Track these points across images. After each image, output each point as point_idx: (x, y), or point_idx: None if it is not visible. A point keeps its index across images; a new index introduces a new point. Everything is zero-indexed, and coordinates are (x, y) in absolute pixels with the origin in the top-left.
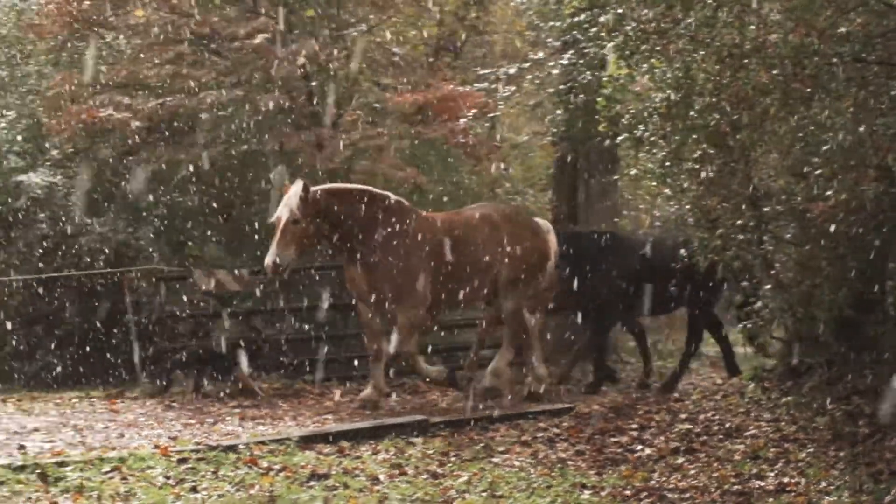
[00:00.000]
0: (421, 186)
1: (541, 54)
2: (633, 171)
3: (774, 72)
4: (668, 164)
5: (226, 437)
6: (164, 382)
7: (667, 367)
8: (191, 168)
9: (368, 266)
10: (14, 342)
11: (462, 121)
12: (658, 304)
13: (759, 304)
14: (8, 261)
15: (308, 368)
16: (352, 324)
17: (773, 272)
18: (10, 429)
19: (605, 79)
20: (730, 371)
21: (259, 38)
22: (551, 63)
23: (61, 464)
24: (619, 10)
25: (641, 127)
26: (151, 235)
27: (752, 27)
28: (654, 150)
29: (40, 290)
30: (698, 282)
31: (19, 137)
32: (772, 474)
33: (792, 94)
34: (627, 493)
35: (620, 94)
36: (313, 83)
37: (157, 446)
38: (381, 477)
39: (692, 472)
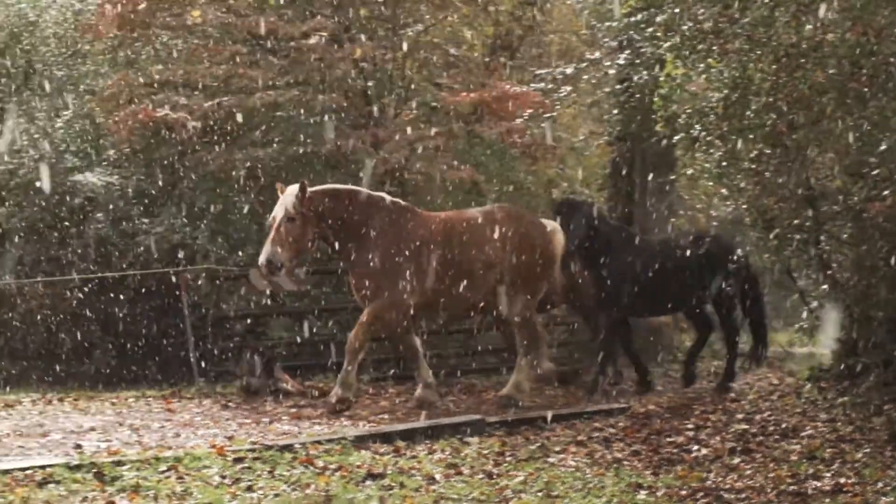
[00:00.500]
0: (478, 186)
1: (597, 54)
2: (690, 171)
3: (831, 71)
4: (724, 163)
5: (281, 436)
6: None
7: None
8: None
9: (361, 267)
10: (70, 342)
11: (518, 120)
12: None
13: (816, 303)
14: (64, 260)
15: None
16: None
17: (829, 272)
18: (67, 428)
19: (661, 78)
20: (725, 376)
21: (315, 38)
22: (608, 63)
23: (118, 463)
24: (676, 10)
25: (698, 126)
26: (207, 235)
27: (809, 27)
28: (711, 150)
29: (96, 290)
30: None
31: (76, 137)
32: (828, 475)
33: (849, 94)
34: (683, 493)
35: (677, 93)
36: (369, 83)
37: (213, 446)
38: (437, 476)
39: (748, 472)
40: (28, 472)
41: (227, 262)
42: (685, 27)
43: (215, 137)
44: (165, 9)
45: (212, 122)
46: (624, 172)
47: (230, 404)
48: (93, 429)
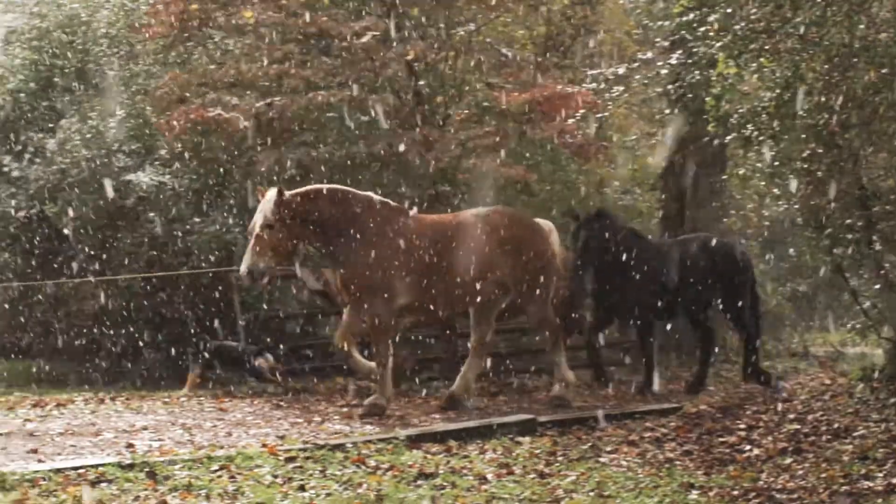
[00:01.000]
0: (529, 185)
1: (649, 54)
2: (742, 171)
3: (884, 70)
4: (776, 163)
5: (333, 435)
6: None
7: (774, 368)
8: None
9: (350, 266)
10: (123, 341)
11: (570, 121)
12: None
13: (868, 303)
14: (116, 259)
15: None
16: (460, 324)
17: (882, 271)
18: (119, 427)
19: (713, 78)
20: (695, 383)
21: (367, 38)
22: (659, 62)
23: (170, 462)
24: (728, 10)
25: (750, 126)
26: None
27: (862, 26)
28: (763, 150)
29: (148, 289)
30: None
31: (129, 137)
32: (880, 475)
33: None
34: (735, 493)
35: (729, 93)
36: (421, 83)
37: (264, 445)
38: (489, 476)
39: (800, 472)
40: (81, 471)
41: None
42: (737, 27)
43: (267, 137)
44: (218, 8)
45: (263, 122)
46: (675, 172)
47: (282, 403)
48: (145, 428)
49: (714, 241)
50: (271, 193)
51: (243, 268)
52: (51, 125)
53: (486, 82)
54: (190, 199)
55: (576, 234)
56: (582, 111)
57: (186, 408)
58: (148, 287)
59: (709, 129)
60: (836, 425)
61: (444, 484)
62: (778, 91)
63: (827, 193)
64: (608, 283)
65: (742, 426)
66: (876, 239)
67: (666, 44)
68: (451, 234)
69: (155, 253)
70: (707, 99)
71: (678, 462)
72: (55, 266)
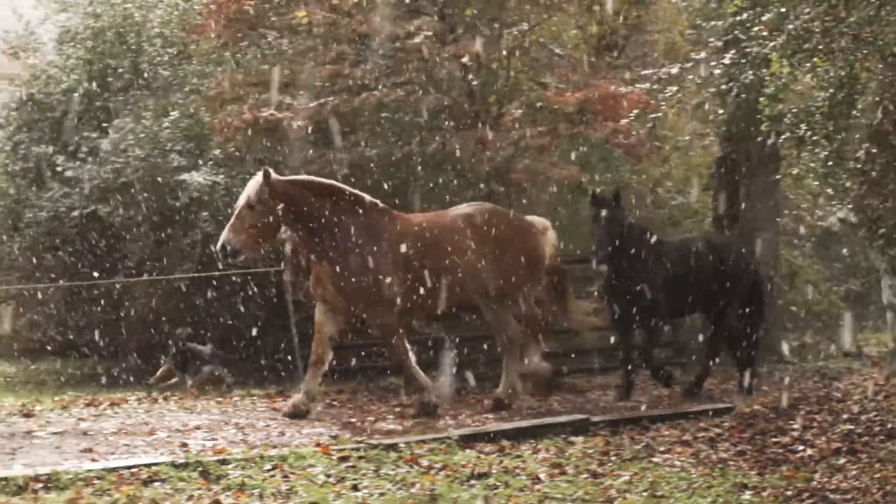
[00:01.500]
0: (582, 186)
1: (702, 54)
2: (795, 171)
3: None
4: (830, 163)
5: (386, 435)
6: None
7: (828, 368)
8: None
9: (335, 265)
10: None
11: (623, 121)
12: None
13: None
14: (169, 259)
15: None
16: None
17: None
18: (173, 426)
19: (767, 78)
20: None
21: (420, 38)
22: (713, 62)
23: (223, 461)
24: (782, 9)
25: (804, 126)
26: None
27: None
28: (817, 150)
29: (201, 289)
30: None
31: (182, 137)
32: None
33: None
34: (789, 493)
35: (783, 93)
36: (474, 82)
37: (318, 444)
38: (542, 476)
39: (854, 473)
40: (134, 470)
41: None
42: (791, 26)
43: (320, 137)
44: (271, 9)
45: (316, 122)
46: (729, 172)
47: (335, 403)
48: (198, 427)
49: (712, 240)
50: (258, 175)
51: (218, 244)
52: (104, 125)
53: (539, 82)
54: None
55: (596, 215)
56: (635, 111)
57: (240, 407)
58: (202, 287)
59: (762, 129)
60: (889, 426)
61: (497, 484)
62: (832, 91)
63: (881, 193)
64: (625, 276)
65: (796, 426)
66: None
67: (719, 44)
68: (439, 233)
69: (208, 249)
70: (761, 99)
71: (731, 462)
72: (108, 266)
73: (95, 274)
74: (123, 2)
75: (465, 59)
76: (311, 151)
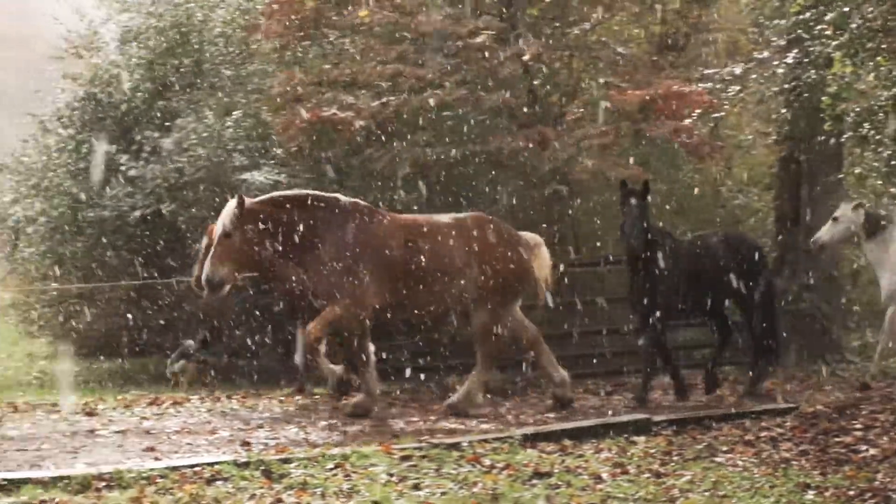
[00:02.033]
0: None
1: (765, 53)
2: (858, 170)
3: None
4: (893, 162)
5: (448, 434)
6: None
7: (891, 367)
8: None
9: (318, 269)
10: (237, 340)
11: (687, 120)
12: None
13: None
14: None
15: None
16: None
17: None
18: (235, 425)
19: (830, 77)
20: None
21: (482, 37)
22: (776, 62)
23: (285, 460)
24: (845, 8)
25: (867, 125)
26: None
27: None
28: (880, 149)
29: (262, 289)
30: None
31: (244, 136)
32: None
33: None
34: (851, 493)
35: (845, 92)
36: (536, 82)
37: (380, 443)
38: (604, 475)
39: None
40: (197, 469)
41: None
42: (854, 25)
43: (382, 136)
44: (333, 8)
45: (378, 122)
46: (791, 172)
47: (397, 402)
48: (260, 426)
49: (726, 236)
50: (231, 202)
51: (203, 277)
52: (167, 124)
53: (602, 81)
54: None
55: (626, 202)
56: (698, 110)
57: (301, 406)
58: (266, 286)
59: (825, 128)
60: None
61: (559, 483)
62: (895, 90)
63: None
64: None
65: (858, 426)
66: None
67: (782, 43)
68: (423, 237)
69: None
70: (823, 98)
71: (794, 462)
72: (172, 265)
73: (157, 273)
74: (186, 1)
75: (526, 59)
76: (372, 151)
